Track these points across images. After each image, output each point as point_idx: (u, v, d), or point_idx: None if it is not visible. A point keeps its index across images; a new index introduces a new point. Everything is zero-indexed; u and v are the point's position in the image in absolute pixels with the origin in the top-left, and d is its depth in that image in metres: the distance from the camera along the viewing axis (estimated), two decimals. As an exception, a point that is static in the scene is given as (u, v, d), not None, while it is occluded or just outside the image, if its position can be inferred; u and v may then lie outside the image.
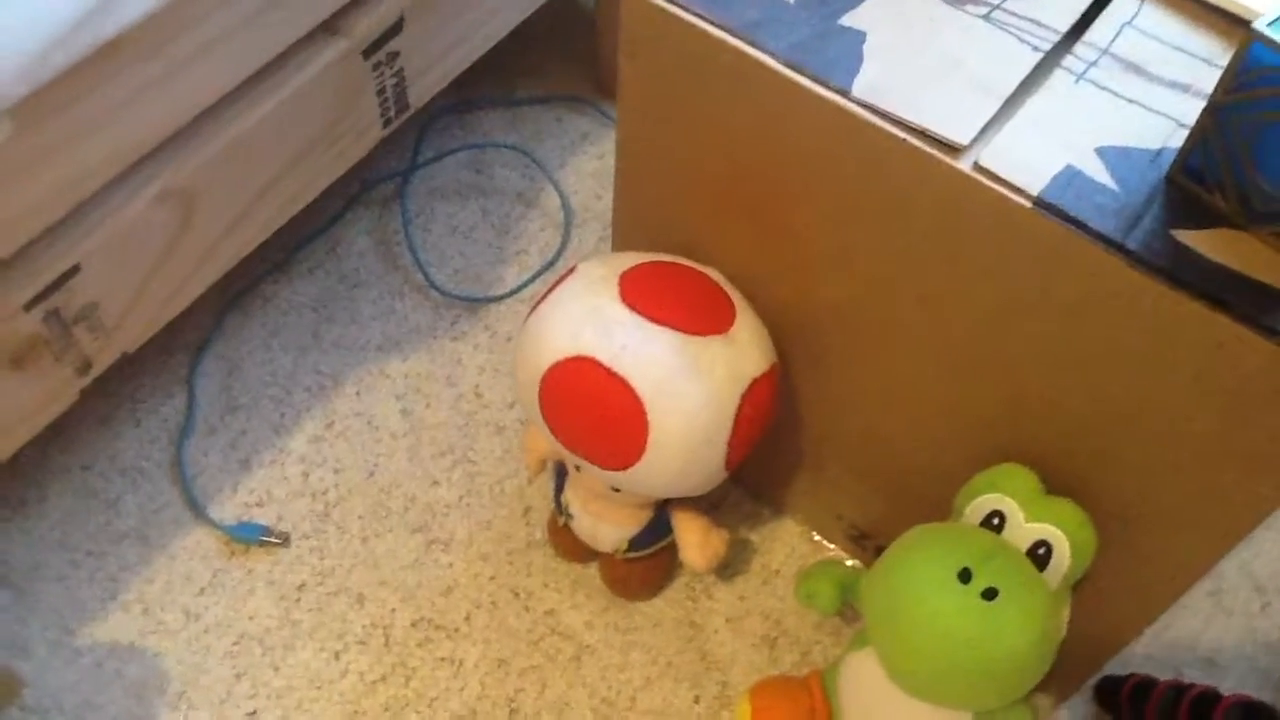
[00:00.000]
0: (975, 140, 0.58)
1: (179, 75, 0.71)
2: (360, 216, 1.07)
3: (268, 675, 0.82)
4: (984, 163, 0.57)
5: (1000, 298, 0.62)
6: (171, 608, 0.85)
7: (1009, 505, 0.65)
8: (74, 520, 0.88)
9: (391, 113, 0.90)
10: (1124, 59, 0.62)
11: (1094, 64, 0.62)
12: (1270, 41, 0.50)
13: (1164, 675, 0.79)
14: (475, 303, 1.02)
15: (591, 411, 0.68)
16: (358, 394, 0.96)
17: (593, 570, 0.87)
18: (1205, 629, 0.88)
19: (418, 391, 0.96)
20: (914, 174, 0.60)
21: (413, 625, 0.85)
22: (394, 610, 0.85)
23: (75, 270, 0.71)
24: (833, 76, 0.60)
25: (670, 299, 0.69)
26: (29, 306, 0.70)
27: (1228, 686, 0.77)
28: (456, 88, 0.97)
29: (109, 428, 0.93)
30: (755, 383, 0.69)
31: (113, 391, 0.94)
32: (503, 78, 1.16)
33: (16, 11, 0.61)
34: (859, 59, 0.61)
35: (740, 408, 0.68)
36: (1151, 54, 0.62)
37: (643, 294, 0.69)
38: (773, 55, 0.61)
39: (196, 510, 0.89)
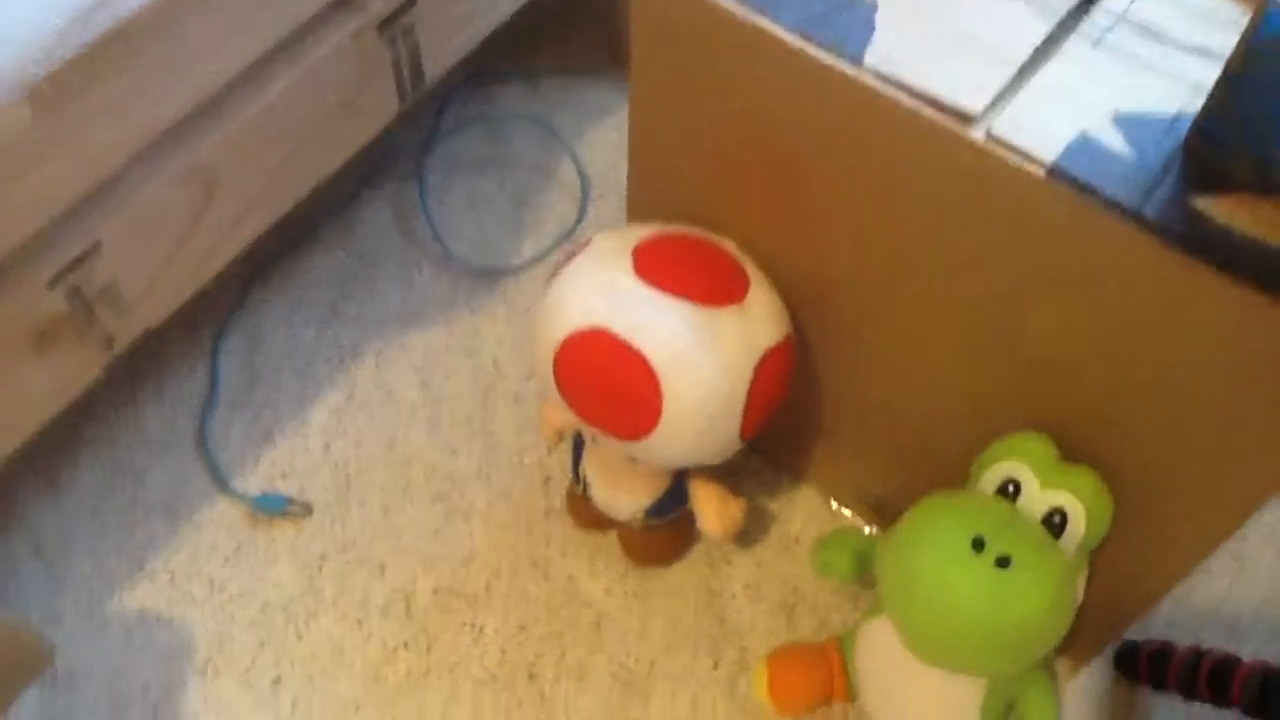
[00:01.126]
0: (988, 109, 0.58)
1: (195, 53, 0.71)
2: (379, 190, 1.07)
3: (291, 643, 0.83)
4: (996, 132, 0.57)
5: (1016, 267, 0.61)
6: (197, 578, 0.86)
7: (1024, 473, 0.65)
8: (102, 493, 0.90)
9: (408, 86, 0.90)
10: (1141, 24, 0.62)
11: (1110, 29, 0.61)
12: (1286, 6, 0.50)
13: (1185, 639, 0.79)
14: (493, 274, 1.02)
15: (606, 383, 0.68)
16: (377, 366, 0.97)
17: (611, 539, 0.88)
18: (1228, 593, 0.88)
19: (437, 363, 0.97)
20: (926, 144, 0.59)
21: (434, 593, 0.86)
22: (415, 579, 0.87)
23: (96, 248, 0.72)
24: (844, 48, 0.60)
25: (684, 271, 0.69)
26: (52, 284, 0.71)
27: (1249, 650, 0.77)
28: (474, 60, 0.97)
29: (134, 402, 0.94)
30: (769, 353, 0.69)
31: (138, 367, 0.96)
32: (520, 50, 1.16)
33: (31, -6, 0.62)
34: (871, 30, 0.61)
35: (754, 378, 0.69)
36: (1170, 18, 0.62)
37: (657, 266, 0.69)
38: (784, 27, 0.61)
39: (221, 482, 0.90)
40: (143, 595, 0.85)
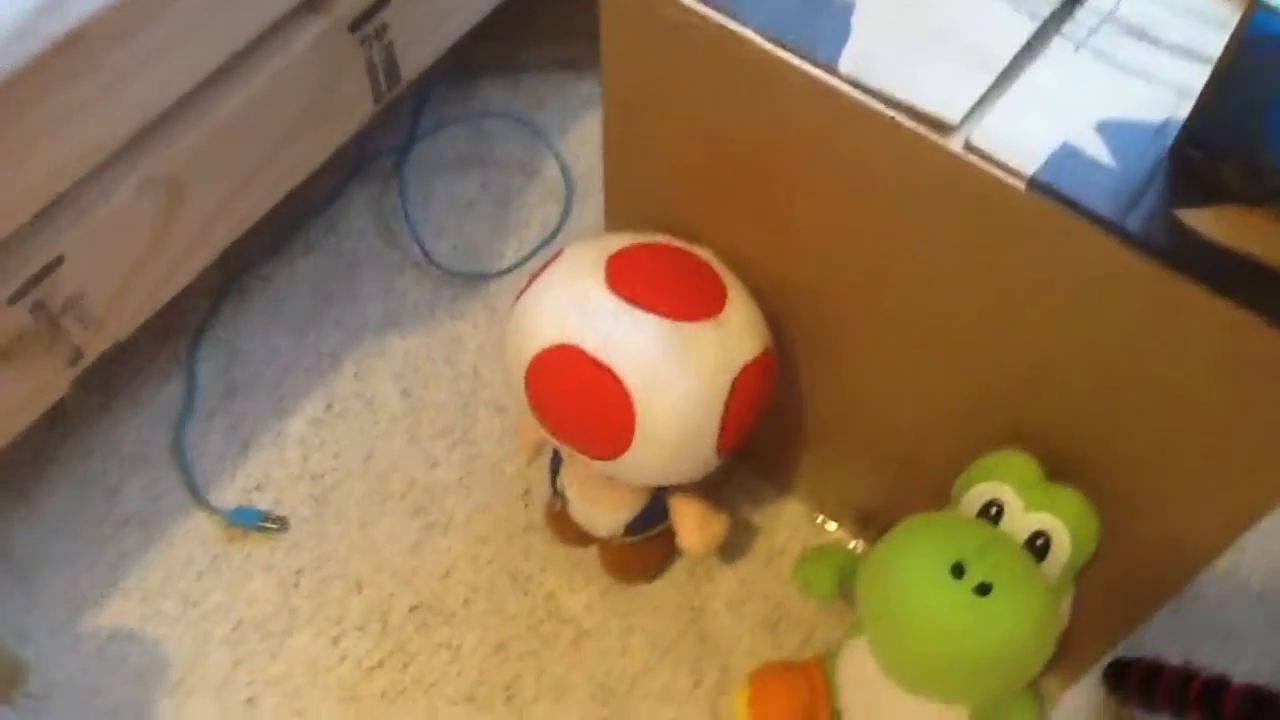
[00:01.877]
0: (967, 118, 0.56)
1: (156, 60, 0.69)
2: (358, 193, 1.05)
3: (265, 661, 0.82)
4: (975, 142, 0.55)
5: (997, 281, 0.59)
6: (171, 594, 0.85)
7: (1007, 494, 0.62)
8: (75, 507, 0.88)
9: (383, 87, 0.88)
10: (1128, 24, 0.59)
11: (1096, 30, 0.59)
12: (1273, 11, 0.47)
13: (1179, 651, 0.77)
14: (475, 278, 1.00)
15: (578, 401, 0.66)
16: (356, 374, 0.95)
17: (592, 553, 0.86)
18: (1221, 607, 0.86)
19: (417, 371, 0.95)
20: (903, 154, 0.57)
21: (411, 610, 0.84)
22: (392, 595, 0.85)
23: (59, 262, 0.70)
24: (818, 51, 0.58)
25: (659, 283, 0.67)
26: (14, 299, 0.69)
27: (1243, 667, 0.75)
28: (453, 58, 0.95)
29: (109, 414, 0.92)
30: (747, 368, 0.67)
31: (112, 378, 0.94)
32: (502, 45, 1.13)
33: (-22, 1, 0.60)
34: (846, 32, 0.58)
35: (731, 394, 0.66)
36: (1158, 18, 0.59)
37: (630, 279, 0.67)
38: (756, 29, 0.59)
39: (196, 495, 0.88)
40: (115, 612, 0.84)
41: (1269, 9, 0.47)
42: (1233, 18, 0.58)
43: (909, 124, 0.56)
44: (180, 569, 0.86)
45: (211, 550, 0.86)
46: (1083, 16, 0.59)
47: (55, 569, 0.85)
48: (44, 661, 0.81)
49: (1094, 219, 0.53)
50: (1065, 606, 0.63)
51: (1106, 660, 0.80)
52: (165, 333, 0.96)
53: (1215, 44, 0.57)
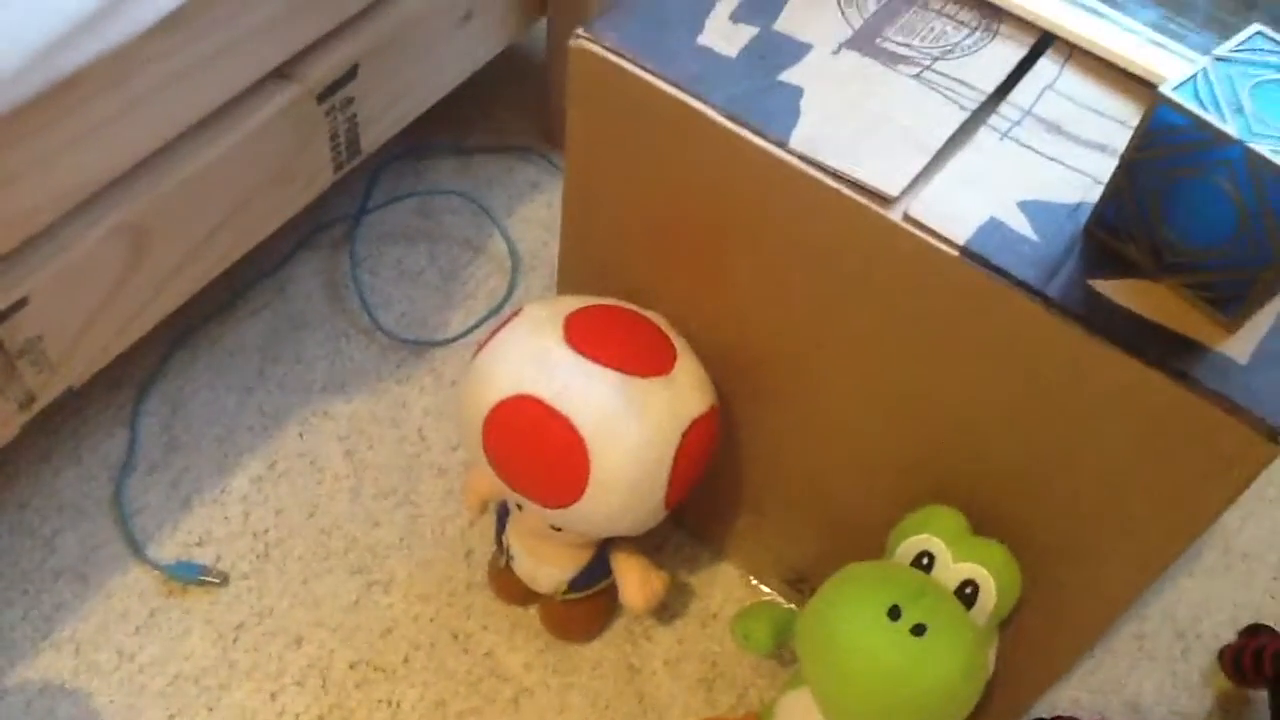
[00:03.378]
0: (905, 192, 0.61)
1: (134, 113, 0.72)
2: (309, 258, 1.08)
3: (202, 715, 0.81)
4: (913, 213, 0.60)
5: (929, 341, 0.64)
6: (106, 647, 0.84)
7: (937, 545, 0.67)
8: (9, 557, 0.87)
9: (344, 157, 0.92)
10: (1045, 119, 0.66)
11: (1017, 123, 0.65)
12: (1174, 104, 0.54)
13: (1089, 718, 0.82)
14: (421, 346, 1.03)
15: (534, 450, 0.69)
16: (301, 435, 0.96)
17: (532, 613, 0.88)
18: (1129, 672, 0.90)
19: (361, 433, 0.97)
20: (847, 223, 0.62)
21: (351, 667, 0.85)
22: (332, 651, 0.85)
23: (22, 303, 0.71)
24: (771, 129, 0.63)
25: (613, 341, 0.71)
26: (-27, 338, 0.70)
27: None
28: (408, 134, 0.99)
29: (49, 464, 0.92)
30: (695, 423, 0.71)
31: (54, 427, 0.94)
32: (454, 126, 1.18)
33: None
34: (796, 113, 0.64)
35: (680, 447, 0.70)
36: (1070, 115, 0.66)
37: (586, 336, 0.71)
38: (714, 107, 0.64)
39: (135, 548, 0.88)
40: (46, 664, 0.82)
41: (1171, 103, 0.54)
42: (1134, 116, 0.66)
43: (853, 195, 0.61)
44: (116, 622, 0.85)
45: (149, 604, 0.86)
46: (1006, 110, 0.66)
47: (-15, 620, 0.84)
48: (-32, 714, 0.80)
49: (1019, 285, 0.59)
50: (991, 655, 0.67)
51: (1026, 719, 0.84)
52: (111, 385, 0.96)
53: (1121, 140, 0.64)
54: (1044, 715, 0.83)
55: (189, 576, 0.87)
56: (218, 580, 0.87)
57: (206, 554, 0.89)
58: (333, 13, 0.83)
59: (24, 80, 0.64)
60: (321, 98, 0.85)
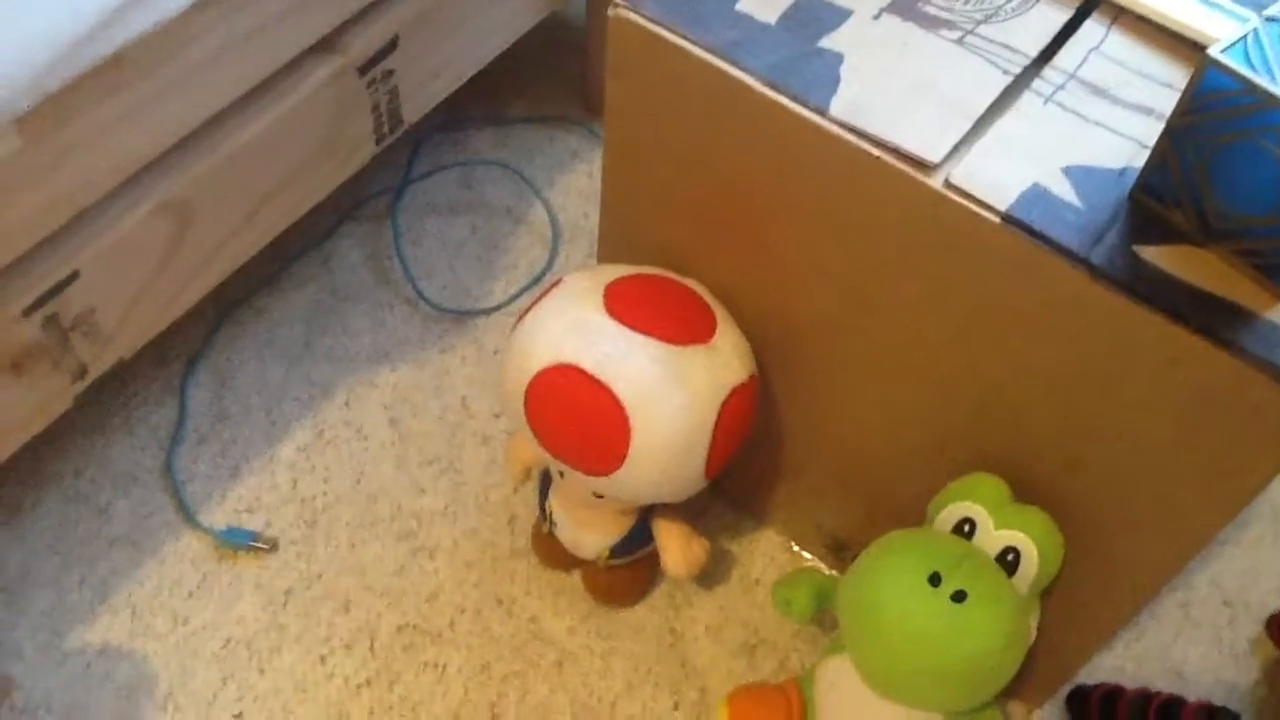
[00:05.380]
0: (947, 158, 0.61)
1: (179, 90, 0.73)
2: (353, 231, 1.09)
3: (254, 678, 0.83)
4: (954, 180, 0.60)
5: (970, 310, 0.64)
6: (160, 611, 0.86)
7: (978, 513, 0.67)
8: (66, 525, 0.89)
9: (385, 129, 0.93)
10: (1090, 83, 0.65)
11: (1061, 87, 0.65)
12: (1224, 67, 0.53)
13: (1133, 686, 0.81)
14: (464, 316, 1.04)
15: (575, 418, 0.70)
16: (347, 404, 0.98)
17: (575, 578, 0.89)
18: (1174, 641, 0.90)
19: (405, 402, 0.98)
20: (888, 190, 0.62)
21: (398, 630, 0.86)
22: (379, 615, 0.87)
23: (74, 277, 0.73)
24: (811, 96, 0.63)
25: (653, 310, 0.71)
26: (28, 312, 0.71)
27: (1195, 698, 0.79)
28: (449, 106, 1.00)
29: (102, 435, 0.94)
30: (735, 391, 0.71)
31: (107, 399, 0.96)
32: (494, 97, 1.18)
33: (23, 27, 0.63)
34: (836, 80, 0.64)
35: (720, 416, 0.70)
36: (1116, 78, 0.65)
37: (626, 305, 0.71)
38: (753, 74, 0.64)
39: (186, 515, 0.90)
40: (104, 629, 0.85)
41: (1220, 65, 0.53)
42: (1182, 79, 0.65)
43: (894, 163, 0.61)
44: (170, 587, 0.87)
45: (201, 569, 0.88)
46: (1050, 75, 0.65)
47: (44, 585, 0.86)
48: (31, 677, 0.82)
49: (1062, 252, 0.58)
50: (1033, 622, 0.67)
51: (1068, 689, 0.84)
52: (161, 358, 0.98)
53: (1168, 104, 0.63)
54: (1087, 683, 0.83)
55: (240, 542, 0.89)
56: (267, 546, 0.89)
57: (256, 521, 0.91)
58: (373, -16, 0.83)
59: (74, 58, 0.64)
60: (363, 70, 0.86)
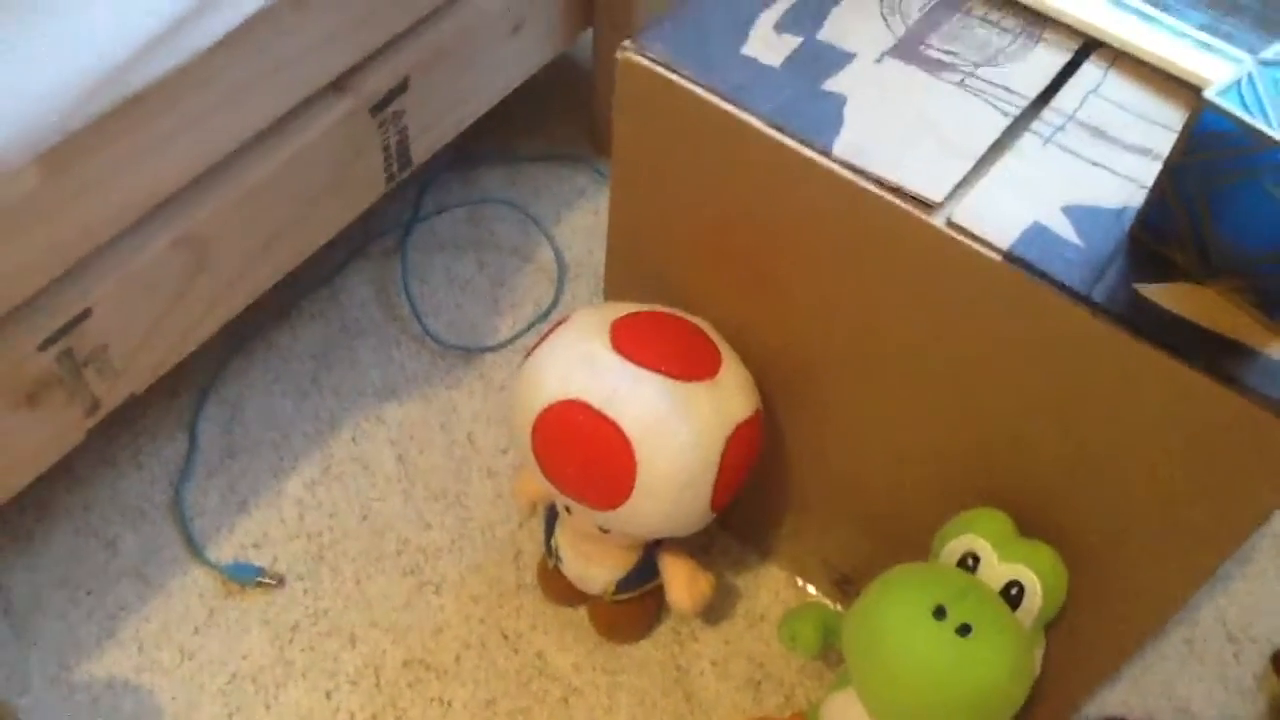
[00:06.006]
0: (948, 198, 0.62)
1: (195, 128, 0.74)
2: (362, 267, 1.10)
3: (260, 713, 0.83)
4: (956, 219, 0.61)
5: (973, 346, 0.65)
6: (167, 645, 0.86)
7: (983, 547, 0.67)
8: (74, 558, 0.90)
9: (395, 168, 0.94)
10: (1089, 124, 0.66)
11: (1061, 129, 0.66)
12: (1219, 109, 0.54)
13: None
14: (471, 352, 1.05)
15: (582, 452, 0.70)
16: (354, 439, 0.98)
17: (581, 613, 0.89)
18: (1179, 675, 0.90)
19: (412, 438, 0.99)
20: (891, 229, 0.63)
21: (404, 665, 0.86)
22: (385, 651, 0.87)
23: (88, 313, 0.74)
24: (815, 137, 0.64)
25: (659, 346, 0.72)
26: (44, 346, 0.72)
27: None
28: (457, 145, 1.01)
29: (112, 468, 0.95)
30: (740, 427, 0.72)
31: (117, 433, 0.97)
32: (502, 136, 1.20)
33: (52, 70, 0.65)
34: (840, 121, 0.65)
35: (725, 450, 0.71)
36: (1114, 120, 0.66)
37: (633, 341, 0.72)
38: (758, 116, 0.65)
39: (194, 550, 0.91)
40: (111, 662, 0.85)
41: (1215, 107, 0.54)
42: (1179, 121, 0.66)
43: (897, 202, 0.62)
44: (177, 621, 0.87)
45: (208, 604, 0.88)
46: (1049, 116, 0.67)
47: (52, 617, 0.87)
48: (38, 709, 0.82)
49: (1063, 289, 0.59)
50: (1037, 656, 0.68)
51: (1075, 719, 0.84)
52: (171, 392, 0.99)
53: (1165, 145, 0.65)
54: (1092, 717, 0.83)
55: (246, 578, 0.89)
56: (274, 581, 0.89)
57: (263, 556, 0.91)
58: (386, 26, 0.85)
59: (97, 98, 0.66)
60: (374, 111, 0.88)
